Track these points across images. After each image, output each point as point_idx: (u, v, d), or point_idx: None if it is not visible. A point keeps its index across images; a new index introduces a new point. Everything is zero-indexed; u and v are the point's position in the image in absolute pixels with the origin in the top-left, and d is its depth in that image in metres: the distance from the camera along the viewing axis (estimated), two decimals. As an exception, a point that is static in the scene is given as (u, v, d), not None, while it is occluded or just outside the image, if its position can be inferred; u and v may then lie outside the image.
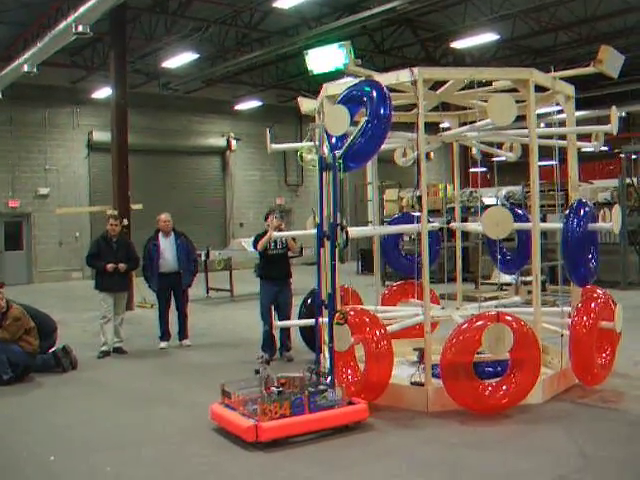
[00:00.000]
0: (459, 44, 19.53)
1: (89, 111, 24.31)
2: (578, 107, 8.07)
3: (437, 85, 7.60)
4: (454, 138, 8.07)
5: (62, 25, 14.31)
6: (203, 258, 17.46)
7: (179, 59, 19.85)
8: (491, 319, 6.32)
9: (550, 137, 7.76)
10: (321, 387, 6.15)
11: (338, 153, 6.47)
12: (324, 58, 6.66)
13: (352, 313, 6.87)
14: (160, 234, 10.82)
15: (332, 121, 6.58)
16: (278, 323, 8.50)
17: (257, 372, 6.16)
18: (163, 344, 10.71)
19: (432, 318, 7.95)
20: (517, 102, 6.61)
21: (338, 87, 7.17)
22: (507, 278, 13.54)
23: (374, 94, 6.49)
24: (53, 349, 9.31)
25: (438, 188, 20.13)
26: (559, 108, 7.83)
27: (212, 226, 27.20)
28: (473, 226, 8.18)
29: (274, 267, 9.48)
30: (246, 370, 7.36)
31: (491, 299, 13.72)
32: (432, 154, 31.20)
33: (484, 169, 32.74)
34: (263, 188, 29.49)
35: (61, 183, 23.89)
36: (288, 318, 9.47)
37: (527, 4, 17.02)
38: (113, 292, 10.26)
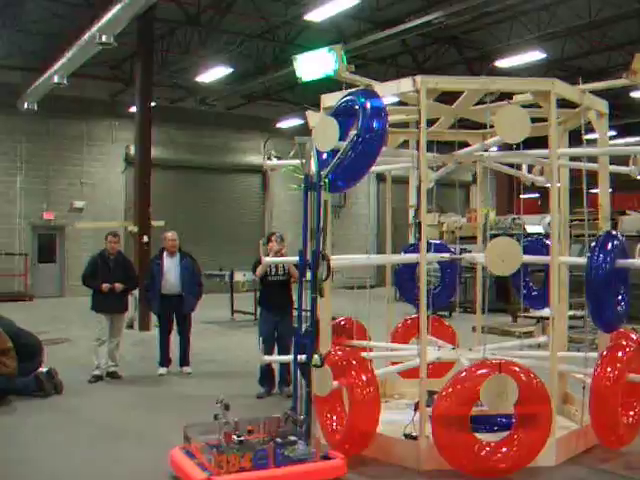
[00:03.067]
0: (504, 63, 18.58)
1: (127, 125, 23.93)
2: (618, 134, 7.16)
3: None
4: (469, 158, 7.21)
5: (86, 35, 14.09)
6: (227, 279, 16.94)
7: (213, 73, 19.41)
8: (492, 368, 5.43)
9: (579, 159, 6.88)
10: (291, 438, 5.35)
11: (324, 171, 5.72)
12: (313, 64, 5.93)
13: (338, 352, 6.08)
14: (165, 253, 10.22)
15: (320, 135, 5.82)
16: (265, 358, 7.73)
17: (216, 417, 5.39)
18: (162, 370, 10.07)
19: (437, 360, 7.13)
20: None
21: (335, 98, 6.41)
22: (547, 311, 12.56)
23: (368, 105, 5.72)
24: (41, 370, 8.74)
25: (479, 213, 19.15)
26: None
27: (248, 245, 26.62)
28: (482, 258, 7.28)
29: (274, 295, 8.74)
30: (238, 406, 6.60)
31: (526, 334, 12.82)
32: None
33: (536, 195, 31.58)
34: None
35: (97, 197, 23.69)
36: (288, 351, 8.68)
37: (574, 21, 16.02)
38: (109, 313, 9.70)
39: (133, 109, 23.10)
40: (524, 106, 6.24)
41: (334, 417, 6.16)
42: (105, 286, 9.49)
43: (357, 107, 5.77)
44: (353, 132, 5.61)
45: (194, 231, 23.66)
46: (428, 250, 8.18)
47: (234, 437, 5.25)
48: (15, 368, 8.14)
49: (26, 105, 19.78)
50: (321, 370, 5.68)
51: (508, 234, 16.80)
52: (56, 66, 16.28)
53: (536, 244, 7.97)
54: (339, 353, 6.10)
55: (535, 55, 17.72)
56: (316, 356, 5.48)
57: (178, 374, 10.08)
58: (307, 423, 5.54)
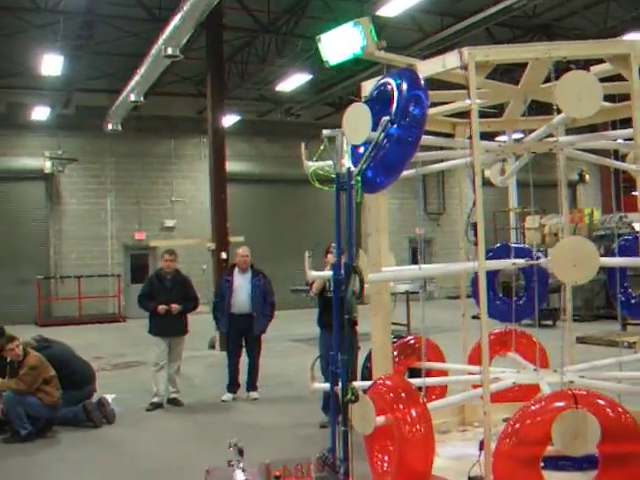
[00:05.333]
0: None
1: (215, 141, 23.93)
2: None
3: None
4: (543, 146, 6.08)
5: (154, 50, 13.75)
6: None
7: (292, 82, 18.78)
8: (567, 401, 4.34)
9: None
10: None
11: (355, 169, 4.82)
12: (339, 44, 5.06)
13: (387, 382, 5.15)
14: (236, 270, 9.57)
15: (352, 126, 4.92)
16: (316, 385, 6.83)
17: (230, 464, 4.57)
18: (226, 397, 9.39)
19: (513, 384, 6.06)
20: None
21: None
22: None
23: (404, 86, 4.79)
24: (90, 401, 8.25)
25: (583, 214, 17.66)
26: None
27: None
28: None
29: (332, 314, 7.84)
30: (295, 437, 6.48)
31: (633, 345, 11.36)
32: (587, 175, 28.35)
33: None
34: (401, 218, 27.75)
35: (187, 215, 23.54)
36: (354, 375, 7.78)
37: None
38: (167, 336, 9.11)
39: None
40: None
41: (385, 457, 5.22)
42: (161, 308, 8.93)
43: (392, 89, 4.85)
44: (385, 118, 4.68)
45: (282, 244, 23.16)
46: (507, 255, 7.19)
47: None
48: (59, 397, 7.66)
49: (110, 126, 19.87)
50: (362, 405, 4.77)
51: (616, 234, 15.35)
52: (131, 84, 16.14)
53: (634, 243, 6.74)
54: (387, 383, 5.17)
55: (637, 36, 16.05)
56: (350, 389, 4.56)
57: (244, 400, 9.38)
58: (345, 468, 4.64)
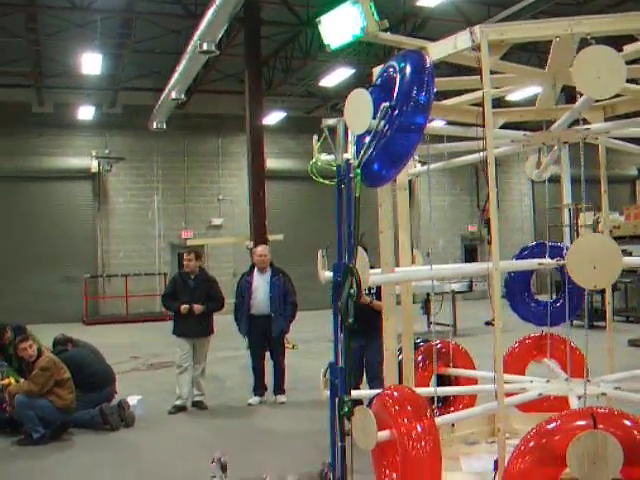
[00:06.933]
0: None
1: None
2: None
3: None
4: (572, 135, 5.53)
5: (190, 46, 13.56)
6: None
7: (335, 76, 18.38)
8: (585, 420, 3.84)
9: None
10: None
11: (355, 160, 4.42)
12: (340, 25, 4.66)
13: (394, 394, 4.73)
14: (255, 270, 9.28)
15: (353, 113, 4.52)
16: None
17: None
18: (252, 400, 9.10)
19: (539, 396, 5.56)
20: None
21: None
22: None
23: (407, 70, 4.36)
24: (107, 404, 8.04)
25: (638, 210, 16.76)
26: None
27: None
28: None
29: (360, 317, 7.42)
30: (316, 448, 6.13)
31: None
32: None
33: None
34: (453, 214, 27.07)
35: (235, 213, 23.38)
36: (378, 379, 7.36)
37: None
38: (190, 338, 8.86)
39: (265, 121, 22.81)
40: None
41: (393, 474, 4.80)
42: (183, 307, 8.69)
43: (395, 73, 4.43)
44: (385, 104, 4.26)
45: (327, 242, 22.75)
46: (542, 253, 6.68)
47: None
48: (72, 400, 7.48)
49: (155, 125, 19.84)
50: (363, 418, 4.37)
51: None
52: (171, 82, 16.01)
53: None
54: (394, 394, 4.75)
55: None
56: (346, 402, 4.16)
57: (271, 404, 9.07)
58: (342, 485, 4.25)
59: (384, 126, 4.31)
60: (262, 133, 15.23)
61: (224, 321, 9.75)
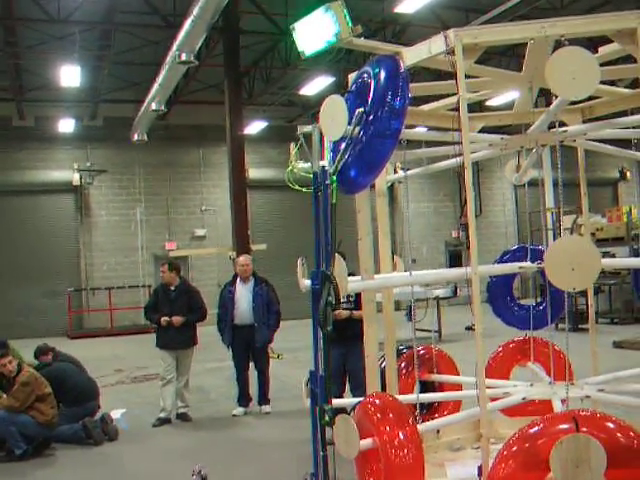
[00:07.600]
0: None
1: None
2: None
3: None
4: (549, 138, 5.54)
5: (168, 57, 13.54)
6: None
7: (316, 85, 18.39)
8: (567, 423, 3.82)
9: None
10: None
11: (331, 167, 4.40)
12: (314, 32, 4.64)
13: (375, 401, 4.70)
14: (238, 280, 9.22)
15: (328, 120, 4.50)
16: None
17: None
18: (237, 411, 9.04)
19: (523, 400, 5.55)
20: None
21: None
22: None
23: (382, 75, 4.35)
24: (89, 418, 7.95)
25: (622, 212, 16.85)
26: None
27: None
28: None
29: (340, 324, 7.41)
30: (299, 457, 6.15)
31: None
32: (628, 173, 27.31)
33: None
34: (437, 220, 27.08)
35: (218, 224, 23.29)
36: (362, 387, 7.32)
37: None
38: (173, 349, 8.78)
39: (247, 131, 22.79)
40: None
41: (377, 481, 4.77)
42: (163, 319, 8.64)
43: (369, 79, 4.42)
44: (360, 110, 4.25)
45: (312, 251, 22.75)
46: (524, 257, 6.69)
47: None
48: (54, 415, 7.39)
49: (136, 136, 19.77)
50: (344, 426, 4.34)
51: None
52: (151, 93, 15.97)
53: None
54: (376, 402, 4.71)
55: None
56: (327, 411, 4.12)
57: (256, 414, 9.00)
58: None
59: (359, 132, 4.30)
60: (243, 143, 15.21)
61: (209, 332, 9.69)
